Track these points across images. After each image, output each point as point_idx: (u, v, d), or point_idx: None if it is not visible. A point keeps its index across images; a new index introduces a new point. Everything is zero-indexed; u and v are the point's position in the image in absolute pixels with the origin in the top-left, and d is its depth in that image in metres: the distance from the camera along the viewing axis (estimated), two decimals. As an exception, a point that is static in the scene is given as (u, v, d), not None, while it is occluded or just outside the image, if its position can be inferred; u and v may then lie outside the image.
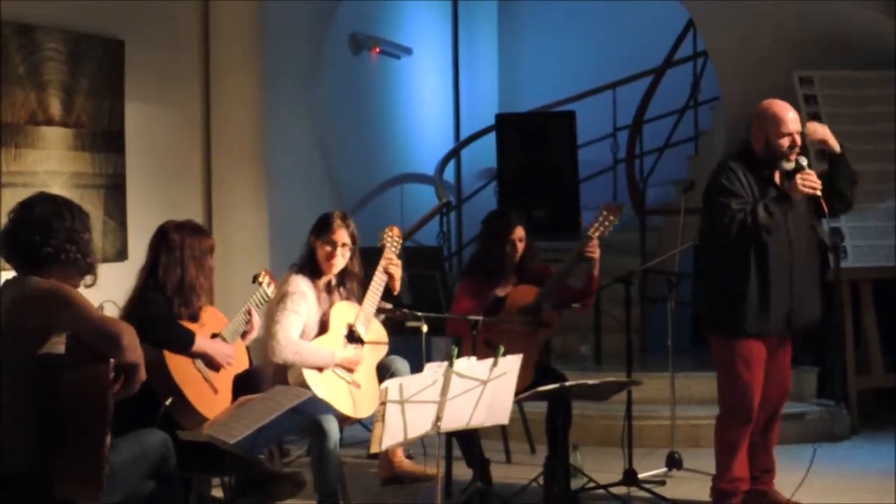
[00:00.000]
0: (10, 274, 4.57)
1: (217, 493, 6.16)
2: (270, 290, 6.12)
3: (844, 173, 6.24)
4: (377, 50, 11.65)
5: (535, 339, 6.88)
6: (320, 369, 6.27)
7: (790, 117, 6.10)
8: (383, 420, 4.66)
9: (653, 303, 9.83)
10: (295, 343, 6.22)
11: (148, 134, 8.11)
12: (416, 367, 5.49)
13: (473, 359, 4.93)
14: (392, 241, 6.68)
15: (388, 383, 4.67)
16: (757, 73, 9.41)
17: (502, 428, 7.48)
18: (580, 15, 13.15)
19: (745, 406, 6.16)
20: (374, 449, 4.74)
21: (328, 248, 6.43)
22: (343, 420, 6.24)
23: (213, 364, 5.58)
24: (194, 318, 5.64)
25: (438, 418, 4.83)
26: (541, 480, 6.65)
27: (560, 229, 9.66)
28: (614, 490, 6.67)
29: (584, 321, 9.04)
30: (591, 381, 6.09)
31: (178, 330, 5.49)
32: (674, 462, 7.25)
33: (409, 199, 11.78)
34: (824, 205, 6.06)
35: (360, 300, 6.54)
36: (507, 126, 10.42)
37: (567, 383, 6.12)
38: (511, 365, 5.06)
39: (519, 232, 6.97)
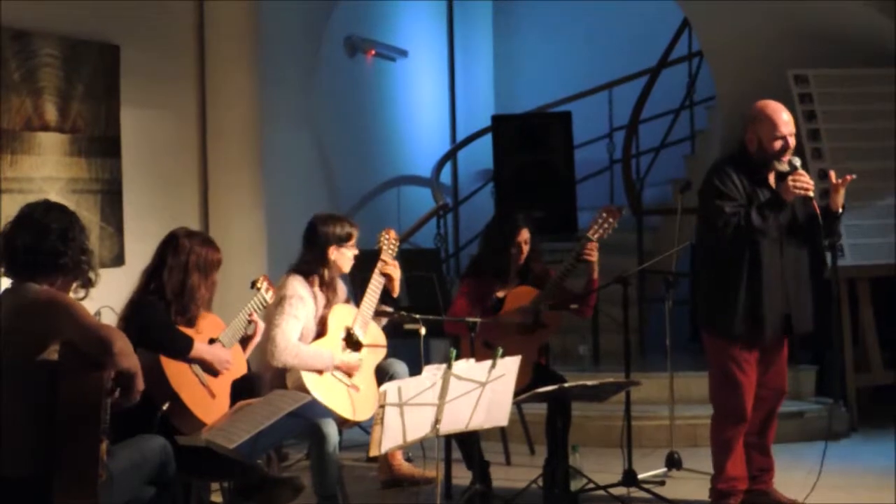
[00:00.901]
0: (8, 282, 4.57)
1: (217, 498, 6.15)
2: (269, 296, 6.10)
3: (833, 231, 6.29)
4: (373, 52, 11.65)
5: (534, 341, 6.89)
6: (320, 372, 6.27)
7: (784, 119, 6.09)
8: (382, 423, 4.66)
9: (651, 303, 9.83)
10: (294, 346, 6.22)
11: (144, 139, 8.11)
12: (415, 370, 5.48)
13: (472, 360, 4.93)
14: (389, 243, 6.68)
15: (386, 386, 4.67)
16: (752, 71, 9.41)
17: (501, 429, 7.48)
18: (576, 15, 13.16)
19: (738, 406, 6.16)
20: (373, 452, 4.75)
21: (349, 255, 6.46)
22: (342, 423, 6.24)
23: (211, 370, 5.58)
24: (191, 323, 5.63)
25: (437, 421, 4.84)
26: (540, 482, 6.65)
27: (557, 230, 9.65)
28: (614, 491, 6.66)
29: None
30: (589, 382, 6.09)
31: (177, 336, 5.48)
32: (673, 462, 7.25)
33: (406, 202, 11.79)
34: (816, 206, 6.05)
35: (357, 302, 6.56)
36: (503, 127, 10.42)
37: (566, 384, 6.13)
38: (510, 366, 5.06)
39: (524, 234, 6.98)
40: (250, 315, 5.90)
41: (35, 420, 4.31)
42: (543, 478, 6.66)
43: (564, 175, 10.11)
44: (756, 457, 6.38)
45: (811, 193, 6.00)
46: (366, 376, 6.48)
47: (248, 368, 5.95)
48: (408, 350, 7.00)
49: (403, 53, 12.27)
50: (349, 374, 6.38)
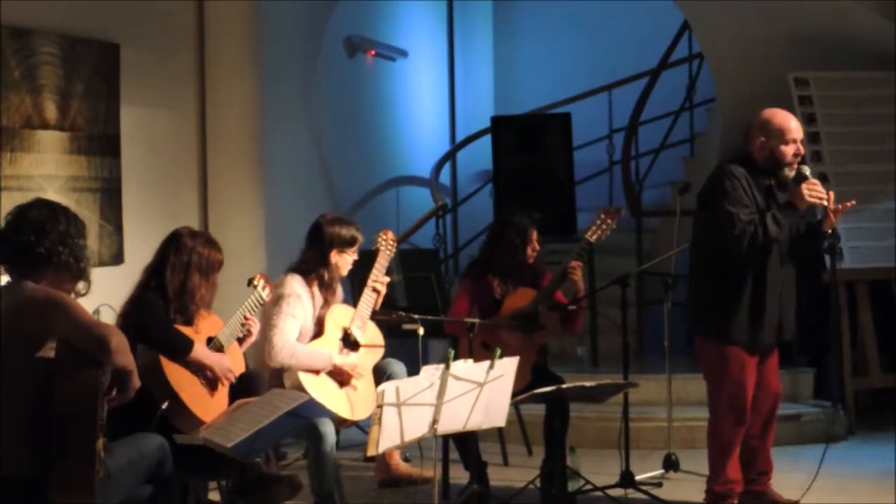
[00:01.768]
0: (5, 279, 4.58)
1: (214, 496, 6.15)
2: (265, 294, 6.09)
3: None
4: (373, 52, 11.65)
5: (532, 342, 6.88)
6: (317, 372, 6.27)
7: (793, 126, 6.11)
8: (380, 423, 4.65)
9: (649, 304, 9.82)
10: (291, 346, 6.22)
11: (144, 137, 8.11)
12: (413, 370, 5.49)
13: (470, 361, 4.93)
14: (387, 244, 6.68)
15: (384, 386, 4.67)
16: (752, 74, 9.42)
17: (499, 430, 7.48)
18: (576, 17, 13.16)
19: (739, 407, 6.16)
20: (370, 452, 4.75)
21: (349, 260, 6.47)
22: (340, 423, 6.25)
23: (209, 376, 5.56)
24: (190, 321, 5.63)
25: (435, 421, 4.83)
26: (538, 483, 6.65)
27: (556, 231, 9.64)
28: (611, 492, 6.67)
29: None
30: (587, 383, 6.08)
31: (176, 335, 5.48)
32: (670, 464, 7.25)
33: (405, 202, 11.79)
34: (831, 216, 6.08)
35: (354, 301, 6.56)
36: (502, 128, 10.41)
37: (564, 385, 6.13)
38: (508, 367, 5.06)
39: (534, 233, 7.00)
40: (246, 317, 5.88)
41: (32, 418, 4.31)
42: (541, 479, 6.66)
43: (564, 176, 10.10)
44: (757, 460, 6.38)
45: (825, 202, 6.01)
46: (364, 376, 6.47)
47: (246, 367, 5.95)
48: (406, 350, 7.00)
49: (403, 54, 12.27)
50: (342, 383, 6.37)
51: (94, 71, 7.62)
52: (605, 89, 11.64)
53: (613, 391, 6.37)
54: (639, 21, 12.48)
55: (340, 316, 6.47)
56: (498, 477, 7.13)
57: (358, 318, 6.49)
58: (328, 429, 5.87)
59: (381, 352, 6.64)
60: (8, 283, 4.54)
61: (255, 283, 6.07)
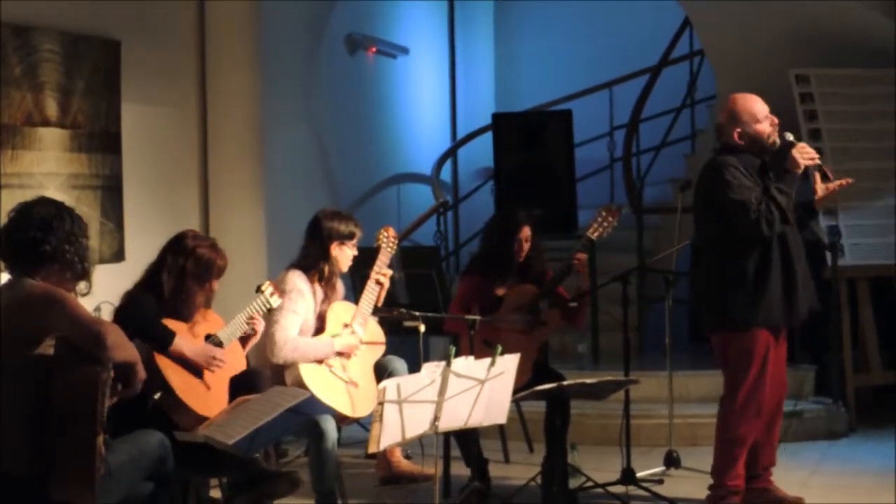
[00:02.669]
0: (6, 276, 4.58)
1: (215, 493, 6.16)
2: (273, 301, 6.03)
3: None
4: (374, 50, 11.65)
5: (533, 339, 6.89)
6: (320, 362, 6.26)
7: (759, 105, 6.21)
8: (381, 420, 4.66)
9: (650, 301, 9.82)
10: (293, 340, 6.22)
11: (145, 135, 8.11)
12: (414, 367, 5.49)
13: (471, 358, 4.93)
14: (388, 241, 6.68)
15: (385, 383, 4.68)
16: (753, 71, 9.41)
17: (500, 427, 7.49)
18: (576, 14, 13.15)
19: (761, 400, 6.16)
20: (371, 449, 4.75)
21: (349, 255, 6.47)
22: (341, 420, 6.24)
23: (194, 367, 5.54)
24: (185, 320, 5.61)
25: (436, 418, 4.84)
26: (539, 480, 6.65)
27: (557, 228, 9.64)
28: (612, 489, 6.66)
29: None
30: (588, 381, 6.08)
31: (158, 329, 5.44)
32: (672, 461, 7.25)
33: (406, 199, 11.79)
34: (828, 171, 6.23)
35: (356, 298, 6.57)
36: (503, 125, 10.41)
37: (565, 382, 6.12)
38: (509, 364, 5.06)
39: (526, 231, 6.99)
40: (252, 317, 5.86)
41: (31, 415, 4.31)
42: (542, 476, 6.65)
43: (564, 173, 10.10)
44: (762, 455, 6.38)
45: (819, 161, 6.12)
46: (365, 373, 6.47)
47: (248, 365, 5.95)
48: (407, 347, 7.00)
49: (404, 51, 12.27)
50: (349, 356, 6.38)
51: (95, 68, 7.62)
52: (606, 86, 11.63)
53: (614, 388, 6.37)
54: (639, 18, 12.48)
55: (342, 312, 6.47)
56: (499, 474, 7.13)
57: (359, 315, 6.49)
58: (329, 426, 5.87)
59: (382, 349, 6.64)
60: (8, 280, 4.55)
61: (263, 289, 6.03)
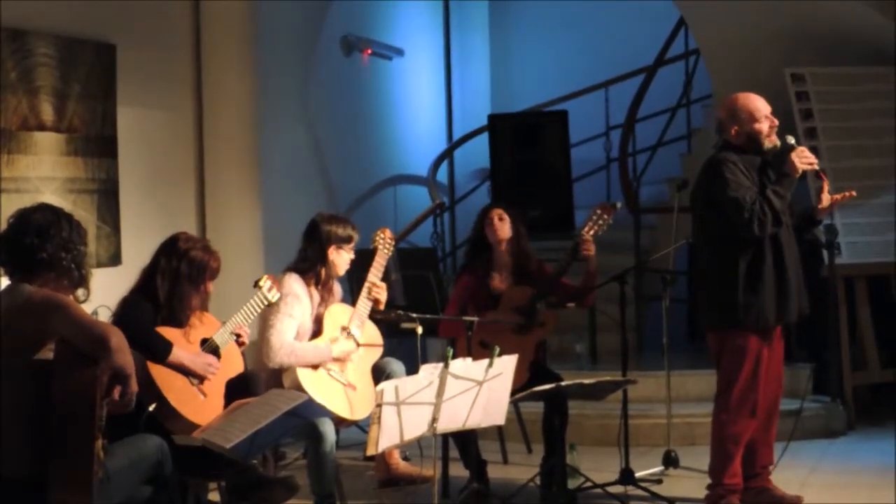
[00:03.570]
0: (6, 281, 4.58)
1: (214, 497, 6.15)
2: (271, 295, 6.04)
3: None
4: (369, 51, 11.65)
5: (531, 339, 6.89)
6: (316, 367, 6.26)
7: (759, 104, 6.23)
8: (379, 422, 4.66)
9: (648, 301, 9.82)
10: (289, 345, 6.21)
11: (141, 138, 8.10)
12: (412, 369, 5.48)
13: (469, 360, 4.93)
14: (384, 243, 6.67)
15: (383, 385, 4.67)
16: (749, 70, 9.41)
17: (499, 428, 7.48)
18: (572, 14, 13.15)
19: (756, 399, 6.16)
20: (370, 451, 4.75)
21: (346, 258, 6.47)
22: (339, 422, 6.24)
23: (193, 375, 5.54)
24: (180, 325, 5.61)
25: (434, 420, 4.84)
26: (538, 480, 6.65)
27: (554, 228, 9.64)
28: (611, 489, 6.66)
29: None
30: (586, 381, 6.08)
31: (155, 339, 5.44)
32: (670, 460, 7.25)
33: (403, 201, 11.79)
34: (824, 176, 6.28)
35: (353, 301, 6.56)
36: (499, 126, 10.41)
37: (563, 383, 6.12)
38: (507, 365, 5.06)
39: (497, 210, 7.01)
40: (238, 326, 5.85)
41: (30, 419, 4.31)
42: (540, 476, 6.66)
43: (561, 174, 10.10)
44: (760, 453, 6.38)
45: (817, 166, 6.15)
46: (362, 375, 6.47)
47: (245, 367, 5.94)
48: (405, 349, 7.00)
49: (400, 52, 12.26)
50: (344, 361, 6.37)
51: (91, 72, 7.61)
52: (602, 86, 11.62)
53: (612, 388, 6.38)
54: (635, 18, 12.48)
55: (339, 315, 6.47)
56: (498, 475, 7.13)
57: (356, 317, 6.49)
58: (328, 428, 5.86)
59: (379, 351, 6.63)
60: (7, 285, 4.55)
61: (261, 283, 6.03)
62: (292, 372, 6.20)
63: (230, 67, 8.67)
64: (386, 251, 6.65)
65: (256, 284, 6.03)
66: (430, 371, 4.77)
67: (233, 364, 5.76)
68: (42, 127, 7.25)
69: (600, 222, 6.84)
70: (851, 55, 9.14)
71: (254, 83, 8.80)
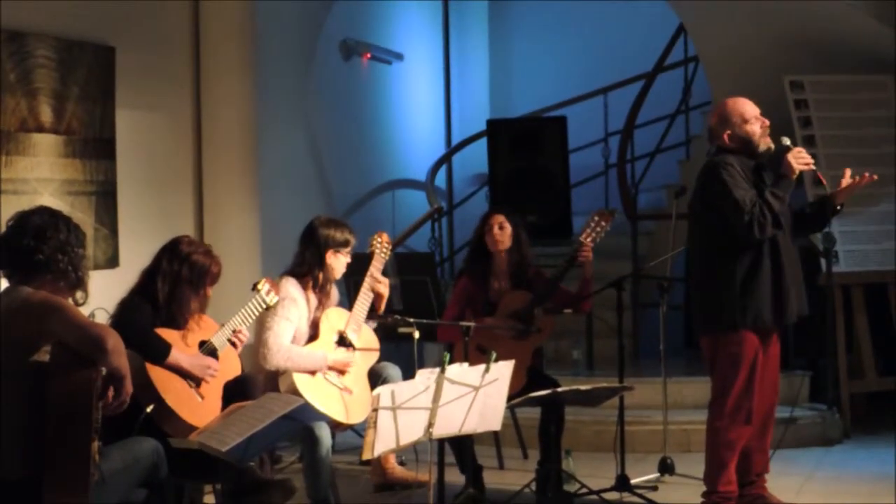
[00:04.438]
0: (4, 283, 4.58)
1: (209, 500, 6.15)
2: (269, 298, 6.04)
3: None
4: (368, 56, 11.64)
5: (528, 345, 6.88)
6: (312, 373, 6.26)
7: (748, 107, 6.25)
8: (375, 426, 4.65)
9: (645, 308, 9.83)
10: (286, 349, 6.21)
11: (139, 140, 8.10)
12: (409, 374, 5.48)
13: (465, 365, 4.92)
14: (381, 247, 6.67)
15: (380, 390, 4.67)
16: (748, 77, 9.42)
17: (495, 434, 7.47)
18: (571, 20, 13.16)
19: (748, 405, 6.15)
20: (366, 455, 4.74)
21: (343, 262, 6.47)
22: (335, 426, 6.24)
23: (192, 378, 5.54)
24: (179, 327, 5.61)
25: (431, 424, 4.83)
26: (533, 486, 6.65)
27: (552, 234, 9.65)
28: (607, 496, 6.66)
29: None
30: (583, 387, 6.09)
31: (153, 341, 5.44)
32: (666, 467, 7.24)
33: (401, 205, 11.79)
34: (822, 177, 6.38)
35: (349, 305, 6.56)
36: (498, 131, 10.43)
37: (559, 389, 6.13)
38: (503, 371, 5.06)
39: (498, 218, 7.01)
40: (235, 331, 5.85)
41: (26, 421, 4.31)
42: (536, 482, 6.65)
43: (559, 179, 10.12)
44: (756, 459, 6.37)
45: (814, 166, 6.16)
46: (359, 379, 6.47)
47: (242, 371, 5.94)
48: (401, 354, 7.00)
49: (399, 57, 12.26)
50: (342, 372, 6.36)
51: (90, 74, 7.61)
52: (601, 92, 11.64)
53: (609, 394, 6.38)
54: (634, 24, 12.49)
55: (335, 319, 6.47)
56: (493, 480, 7.12)
57: (353, 322, 6.49)
58: (324, 432, 5.86)
59: (376, 355, 6.63)
60: (5, 287, 4.55)
61: (259, 287, 6.03)
62: (289, 376, 6.20)
63: (229, 70, 8.67)
64: (383, 255, 6.66)
65: (255, 287, 6.03)
66: (426, 376, 4.77)
67: (230, 366, 5.76)
68: (41, 128, 7.25)
69: (598, 229, 6.84)
70: (850, 63, 9.15)
71: (253, 86, 8.80)
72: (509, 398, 5.27)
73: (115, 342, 4.33)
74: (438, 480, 6.62)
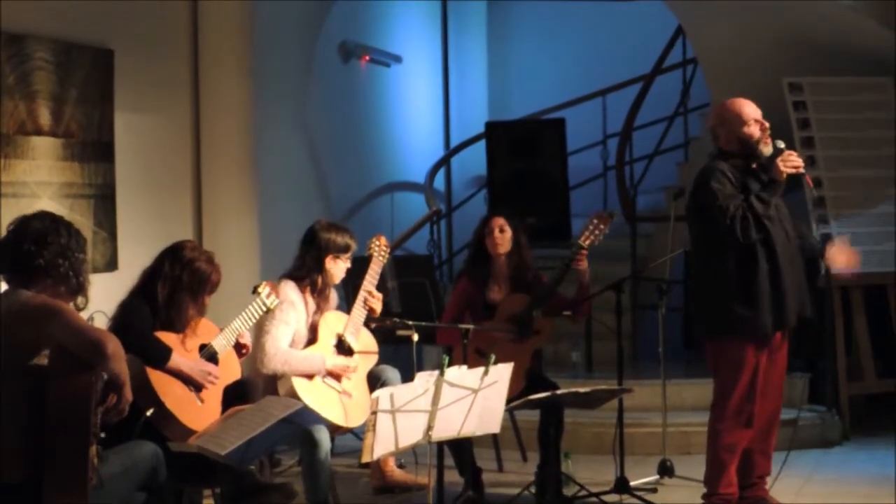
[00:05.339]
0: (4, 287, 4.58)
1: (209, 503, 6.14)
2: (269, 302, 6.02)
3: None
4: (367, 58, 11.64)
5: (527, 347, 6.88)
6: (311, 377, 6.25)
7: (747, 109, 6.25)
8: (374, 429, 4.65)
9: (644, 310, 9.83)
10: (284, 353, 6.20)
11: (138, 143, 8.10)
12: (407, 376, 5.48)
13: (464, 367, 4.92)
14: (379, 250, 6.66)
15: (379, 392, 4.67)
16: (747, 79, 9.41)
17: (494, 436, 7.46)
18: (570, 22, 13.17)
19: (749, 409, 6.15)
20: (365, 458, 4.75)
21: (343, 267, 6.46)
22: (334, 430, 6.23)
23: (192, 383, 5.53)
24: (178, 331, 5.60)
25: (430, 427, 4.83)
26: (533, 489, 6.64)
27: (550, 237, 9.65)
28: (606, 498, 6.66)
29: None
30: (582, 389, 6.08)
31: (153, 344, 5.43)
32: (665, 469, 7.24)
33: (400, 208, 11.79)
34: (810, 181, 6.38)
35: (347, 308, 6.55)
36: (497, 134, 10.42)
37: (558, 391, 6.13)
38: (502, 373, 5.06)
39: (499, 221, 7.02)
40: (240, 335, 5.84)
41: (26, 424, 4.31)
42: (536, 485, 6.65)
43: (558, 182, 10.11)
44: (759, 462, 6.37)
45: (802, 170, 6.15)
46: (358, 382, 6.46)
47: (241, 374, 5.93)
48: (400, 356, 6.99)
49: (398, 59, 12.26)
50: (340, 378, 6.36)
51: (89, 77, 7.61)
52: (600, 94, 11.64)
53: (608, 397, 6.38)
54: (633, 26, 12.49)
55: (334, 322, 6.46)
56: (493, 483, 7.12)
57: (351, 325, 6.48)
58: (323, 436, 5.85)
59: (375, 358, 6.62)
60: (4, 290, 4.55)
61: (260, 290, 6.01)
62: (287, 380, 6.19)
63: (228, 73, 8.67)
64: (381, 258, 6.65)
65: (255, 290, 6.02)
66: (425, 379, 4.77)
67: (230, 370, 5.75)
68: (39, 131, 7.24)
69: (596, 232, 6.84)
70: (849, 65, 9.15)
71: (251, 89, 8.80)
72: (508, 401, 5.27)
73: (114, 347, 4.33)
74: (438, 483, 6.61)
